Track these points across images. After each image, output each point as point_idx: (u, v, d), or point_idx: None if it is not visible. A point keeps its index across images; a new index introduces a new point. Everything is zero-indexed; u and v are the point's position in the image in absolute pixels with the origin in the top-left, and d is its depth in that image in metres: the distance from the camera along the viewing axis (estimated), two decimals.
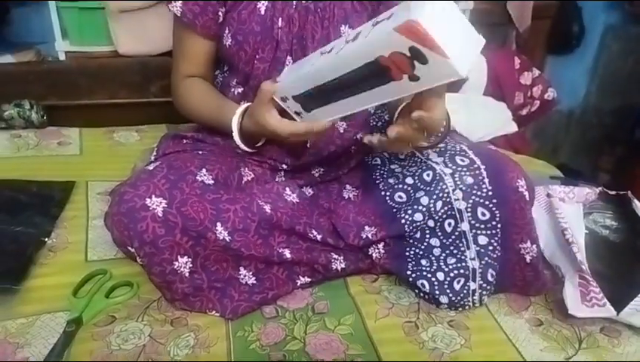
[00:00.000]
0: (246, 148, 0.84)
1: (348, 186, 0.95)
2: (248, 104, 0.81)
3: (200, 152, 0.87)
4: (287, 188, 0.87)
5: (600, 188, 0.91)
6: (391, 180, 0.89)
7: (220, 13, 0.86)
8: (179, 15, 0.85)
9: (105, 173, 1.11)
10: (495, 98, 1.51)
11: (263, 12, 0.84)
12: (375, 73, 0.58)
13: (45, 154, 1.19)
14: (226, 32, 0.85)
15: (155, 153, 0.92)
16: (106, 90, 1.31)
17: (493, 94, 1.51)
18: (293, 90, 0.72)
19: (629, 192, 0.88)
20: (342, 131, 0.92)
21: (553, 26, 2.54)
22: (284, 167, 0.92)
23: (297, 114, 0.76)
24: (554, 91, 1.56)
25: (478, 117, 1.47)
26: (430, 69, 0.53)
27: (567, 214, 0.86)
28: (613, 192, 0.90)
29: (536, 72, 1.57)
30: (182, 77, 0.92)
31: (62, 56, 1.67)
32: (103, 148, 1.24)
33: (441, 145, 0.85)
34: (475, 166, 0.81)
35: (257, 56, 0.85)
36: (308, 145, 0.89)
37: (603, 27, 2.46)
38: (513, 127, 1.48)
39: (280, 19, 0.83)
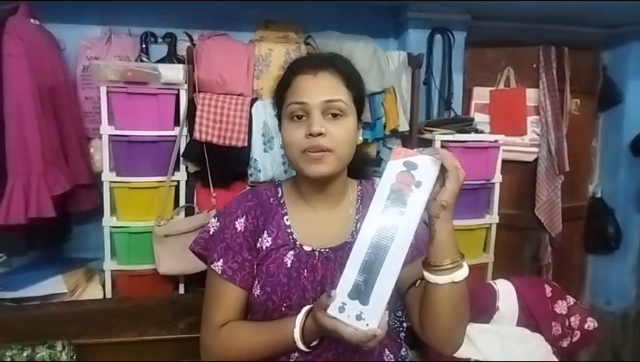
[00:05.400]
0: (303, 348, 0.84)
1: None
2: (312, 306, 0.83)
3: None
4: None
5: None
6: None
7: (255, 267, 0.91)
8: (219, 273, 0.90)
9: None
10: (530, 329, 1.44)
11: (289, 265, 0.89)
12: (395, 198, 0.76)
13: None
14: (255, 282, 0.90)
15: None
16: (137, 328, 1.36)
17: (528, 325, 1.44)
18: (346, 286, 0.77)
19: None
20: None
21: (587, 228, 2.51)
22: None
23: (359, 319, 0.76)
24: (594, 321, 1.48)
25: (515, 351, 1.39)
26: (421, 170, 0.76)
27: None
28: None
29: (571, 300, 1.50)
30: (217, 328, 0.92)
31: (108, 275, 1.81)
32: None
33: None
34: None
35: (285, 304, 0.88)
36: None
37: None
38: None
39: (305, 270, 0.89)
